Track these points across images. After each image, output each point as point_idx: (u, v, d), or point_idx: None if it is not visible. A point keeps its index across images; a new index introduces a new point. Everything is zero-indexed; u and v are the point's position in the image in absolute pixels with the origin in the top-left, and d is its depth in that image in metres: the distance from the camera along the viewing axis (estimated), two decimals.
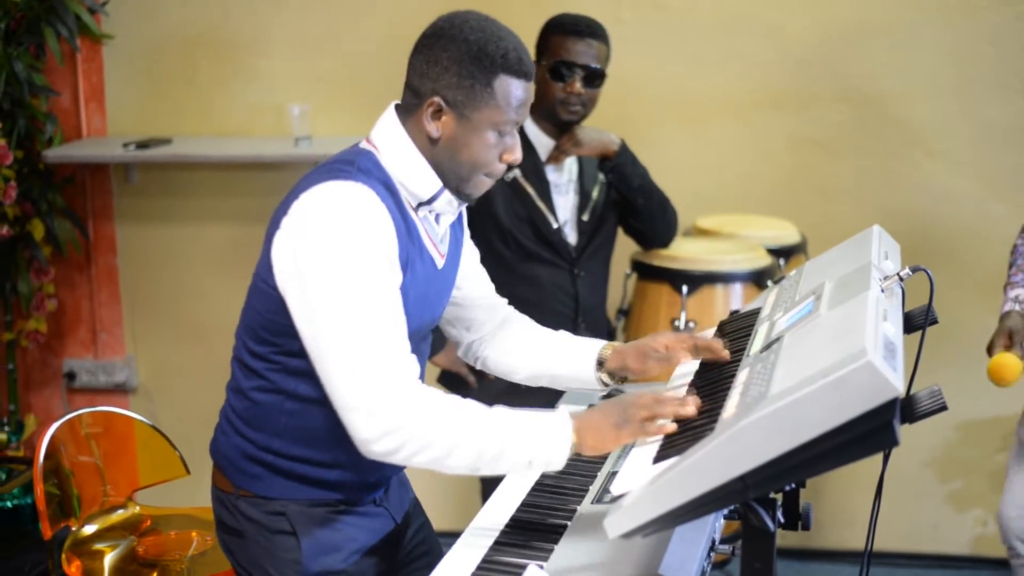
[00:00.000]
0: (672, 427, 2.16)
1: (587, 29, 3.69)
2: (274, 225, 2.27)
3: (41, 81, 4.63)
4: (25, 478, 4.13)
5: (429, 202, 2.33)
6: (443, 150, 2.30)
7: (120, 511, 3.13)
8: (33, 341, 4.83)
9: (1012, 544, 3.64)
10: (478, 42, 2.25)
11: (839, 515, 4.62)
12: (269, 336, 2.32)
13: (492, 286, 2.71)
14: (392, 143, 2.32)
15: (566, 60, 3.64)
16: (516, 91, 2.28)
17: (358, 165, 2.27)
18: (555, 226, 3.75)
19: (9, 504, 4.58)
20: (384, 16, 4.66)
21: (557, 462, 2.19)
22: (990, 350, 3.40)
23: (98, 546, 3.02)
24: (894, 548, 4.71)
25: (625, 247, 4.11)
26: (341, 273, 2.15)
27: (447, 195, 2.34)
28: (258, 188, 4.83)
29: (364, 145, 2.36)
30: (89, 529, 3.05)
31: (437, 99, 2.27)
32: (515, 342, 2.68)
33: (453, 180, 2.33)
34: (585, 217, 3.81)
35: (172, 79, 4.83)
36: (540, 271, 3.76)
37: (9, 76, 4.47)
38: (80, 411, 3.12)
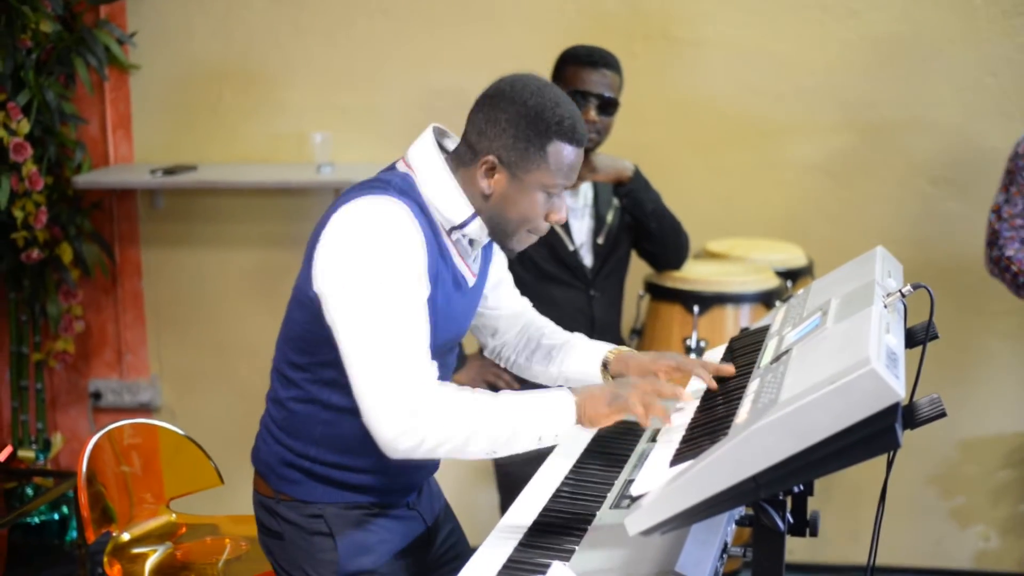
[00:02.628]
0: (660, 411, 2.31)
1: (601, 60, 3.81)
2: (315, 238, 2.40)
3: (71, 110, 4.76)
4: (53, 495, 4.24)
5: (461, 227, 2.44)
6: (494, 206, 2.42)
7: (157, 519, 3.26)
8: (61, 362, 4.95)
9: None
10: (536, 107, 2.37)
11: (844, 530, 4.69)
12: (306, 346, 2.45)
13: (517, 292, 2.83)
14: (428, 168, 2.44)
15: (581, 90, 3.76)
16: (568, 157, 2.40)
17: (395, 185, 2.39)
18: (572, 248, 3.87)
19: (36, 520, 4.71)
20: (404, 48, 4.79)
21: (564, 434, 2.34)
22: None
23: (136, 551, 3.16)
24: (898, 563, 4.78)
25: (639, 269, 4.22)
26: (369, 282, 2.28)
27: (479, 222, 2.45)
28: (281, 213, 4.95)
29: (401, 167, 2.48)
30: (127, 536, 3.19)
31: (492, 158, 2.39)
32: (536, 348, 2.81)
33: (499, 234, 2.46)
34: (600, 240, 3.93)
35: (197, 108, 4.95)
36: (557, 292, 3.87)
37: (40, 105, 4.60)
38: (121, 423, 3.27)
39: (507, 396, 2.33)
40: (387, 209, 2.33)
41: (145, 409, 5.11)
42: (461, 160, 2.45)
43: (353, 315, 2.29)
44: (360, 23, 4.80)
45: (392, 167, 2.50)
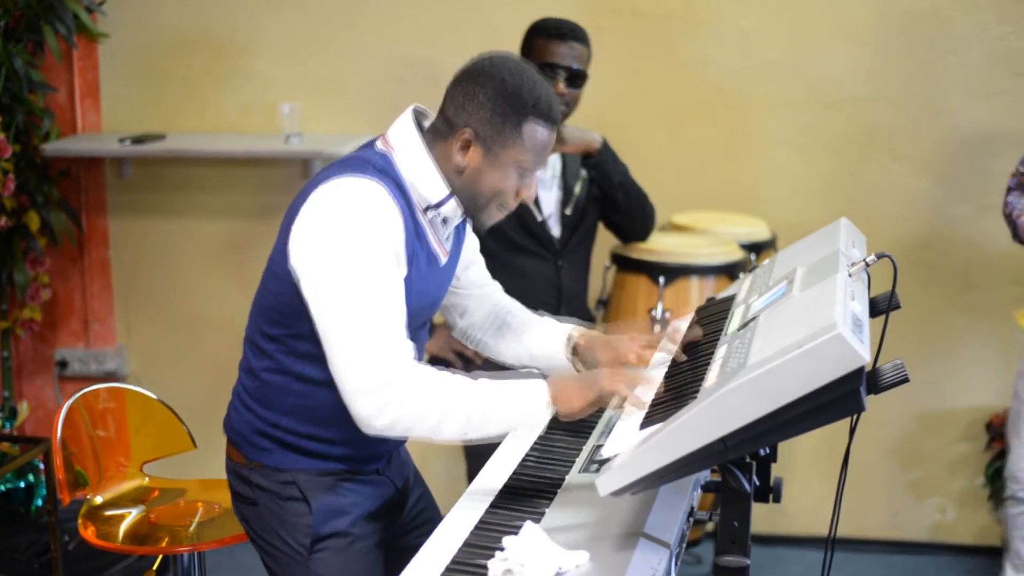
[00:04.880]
0: (632, 395, 2.36)
1: (569, 32, 3.85)
2: (292, 213, 2.43)
3: (39, 77, 4.73)
4: (19, 462, 4.24)
5: (437, 206, 2.48)
6: (467, 179, 2.46)
7: (130, 482, 3.30)
8: (27, 330, 4.95)
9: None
10: (514, 85, 2.41)
11: (804, 502, 4.76)
12: (281, 318, 2.48)
13: (487, 275, 2.87)
14: (407, 148, 2.48)
15: (549, 62, 3.79)
16: (542, 136, 2.45)
17: (375, 164, 2.43)
18: (540, 219, 3.91)
19: (2, 488, 4.70)
20: (373, 18, 4.80)
21: (537, 422, 2.39)
22: None
23: (110, 513, 3.19)
24: (857, 535, 4.85)
25: (605, 240, 4.27)
26: (348, 262, 2.32)
27: (454, 202, 2.49)
28: (249, 183, 4.96)
29: (380, 145, 2.51)
30: (100, 499, 3.22)
31: (468, 132, 2.43)
32: (503, 328, 2.85)
33: (470, 207, 2.50)
34: (568, 211, 3.97)
35: (166, 77, 4.95)
36: (525, 262, 3.91)
37: (8, 72, 4.58)
38: (96, 386, 3.30)
39: (482, 382, 2.38)
40: (367, 189, 2.37)
41: (111, 378, 5.10)
42: (438, 134, 2.48)
43: (331, 294, 2.33)
44: None
45: (371, 144, 2.53)
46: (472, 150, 2.44)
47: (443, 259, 2.57)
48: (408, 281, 2.42)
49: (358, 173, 2.39)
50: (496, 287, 2.89)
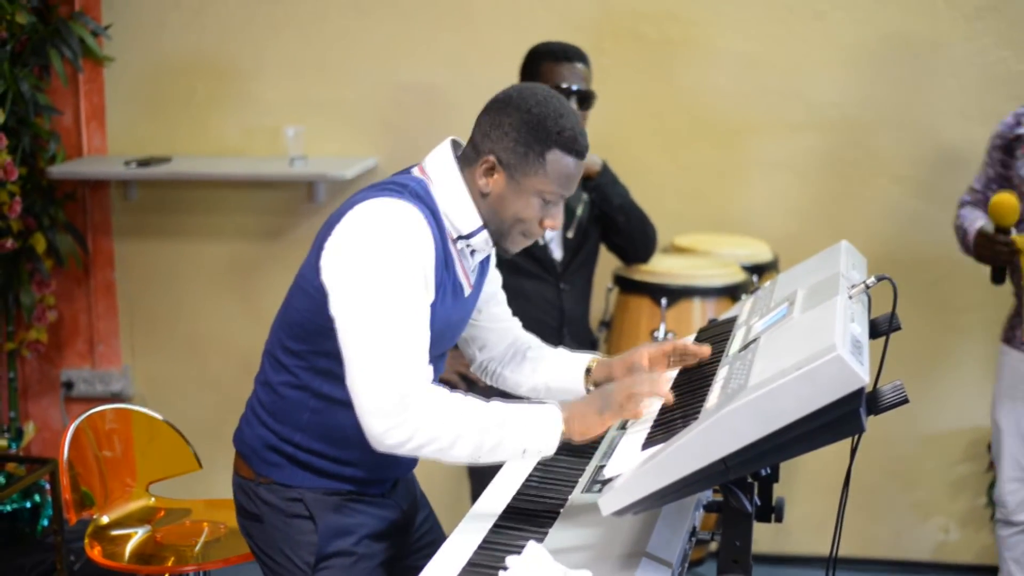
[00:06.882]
0: (651, 409, 2.38)
1: (575, 54, 3.90)
2: (326, 231, 2.46)
3: (45, 101, 4.78)
4: (26, 482, 4.26)
5: (468, 237, 2.51)
6: (490, 205, 2.49)
7: (136, 502, 3.32)
8: (33, 351, 4.97)
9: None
10: (539, 115, 2.44)
11: (807, 522, 4.76)
12: (305, 334, 2.51)
13: (508, 310, 2.89)
14: (444, 177, 2.51)
15: (560, 85, 3.83)
16: (566, 167, 2.47)
17: (412, 189, 2.46)
18: (541, 243, 3.93)
19: (8, 508, 4.73)
20: (374, 43, 4.83)
21: (548, 449, 2.40)
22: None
23: (116, 533, 3.22)
24: (860, 555, 4.86)
25: (608, 262, 4.30)
26: (379, 280, 2.35)
27: (485, 235, 2.52)
28: (253, 206, 4.99)
29: (417, 173, 2.54)
30: (107, 519, 3.24)
31: (492, 158, 2.46)
32: (521, 362, 2.87)
33: (495, 233, 2.53)
34: (570, 234, 4.00)
35: (171, 101, 4.98)
36: (527, 284, 3.93)
37: (15, 96, 4.61)
38: (102, 407, 3.34)
39: (497, 405, 2.40)
40: (403, 211, 2.40)
41: (116, 399, 5.11)
42: (466, 160, 2.52)
43: (358, 310, 2.35)
44: (332, 18, 4.85)
45: (407, 172, 2.57)
46: (495, 176, 2.47)
47: (468, 291, 2.60)
48: (433, 308, 2.45)
49: (396, 195, 2.43)
50: (516, 323, 2.91)
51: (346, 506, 2.59)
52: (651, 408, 2.45)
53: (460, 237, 2.51)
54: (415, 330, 2.37)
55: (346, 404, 2.41)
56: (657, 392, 2.40)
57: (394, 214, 2.39)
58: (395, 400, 2.32)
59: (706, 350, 2.60)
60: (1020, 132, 3.78)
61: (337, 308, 2.39)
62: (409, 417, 2.32)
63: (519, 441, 2.38)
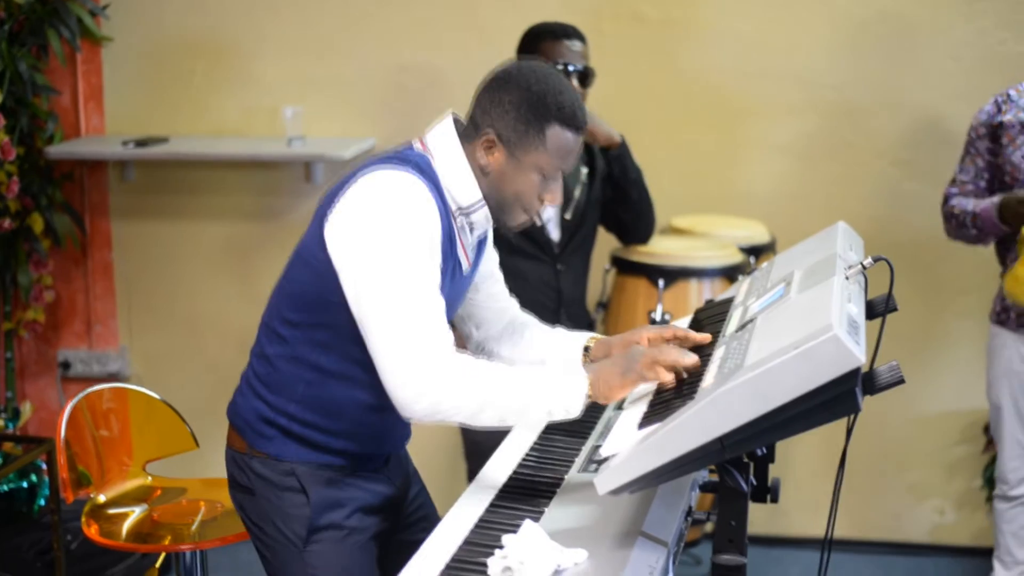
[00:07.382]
0: (670, 377, 2.36)
1: (573, 32, 3.93)
2: (327, 204, 2.46)
3: (43, 81, 4.78)
4: (23, 461, 4.27)
5: (468, 212, 2.52)
6: (491, 181, 2.50)
7: (132, 481, 3.33)
8: (30, 331, 4.97)
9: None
10: (539, 92, 2.44)
11: (803, 504, 4.79)
12: (304, 306, 2.51)
13: (506, 291, 2.89)
14: (445, 151, 2.51)
15: (560, 63, 3.84)
16: (566, 141, 2.48)
17: (413, 162, 2.46)
18: (539, 223, 3.94)
19: (5, 487, 4.73)
20: (374, 23, 4.83)
21: (575, 411, 2.39)
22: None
23: (113, 511, 3.23)
24: (856, 536, 4.88)
25: (605, 243, 4.30)
26: (390, 251, 2.34)
27: (485, 210, 2.52)
28: (251, 186, 4.99)
29: (418, 147, 2.54)
30: (103, 497, 3.25)
31: (492, 135, 2.46)
32: (518, 340, 2.87)
33: (495, 208, 2.53)
34: (568, 215, 4.00)
35: (169, 80, 4.98)
36: (525, 265, 3.93)
37: (13, 76, 4.61)
38: (100, 387, 3.34)
39: (523, 369, 2.41)
40: (408, 182, 2.40)
41: (114, 379, 5.10)
42: (466, 136, 2.52)
43: (375, 281, 2.35)
44: None
45: (408, 146, 2.56)
46: (495, 152, 2.48)
47: (466, 267, 2.60)
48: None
49: (399, 167, 2.43)
50: (513, 302, 2.91)
51: (339, 480, 2.59)
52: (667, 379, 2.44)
53: (461, 211, 2.51)
54: (433, 297, 2.37)
55: (341, 377, 2.42)
56: (682, 364, 2.39)
57: (399, 184, 2.40)
58: (423, 367, 2.32)
59: (707, 338, 2.60)
60: (1003, 119, 3.78)
61: (351, 281, 2.39)
62: (436, 385, 2.32)
63: (545, 404, 2.38)
